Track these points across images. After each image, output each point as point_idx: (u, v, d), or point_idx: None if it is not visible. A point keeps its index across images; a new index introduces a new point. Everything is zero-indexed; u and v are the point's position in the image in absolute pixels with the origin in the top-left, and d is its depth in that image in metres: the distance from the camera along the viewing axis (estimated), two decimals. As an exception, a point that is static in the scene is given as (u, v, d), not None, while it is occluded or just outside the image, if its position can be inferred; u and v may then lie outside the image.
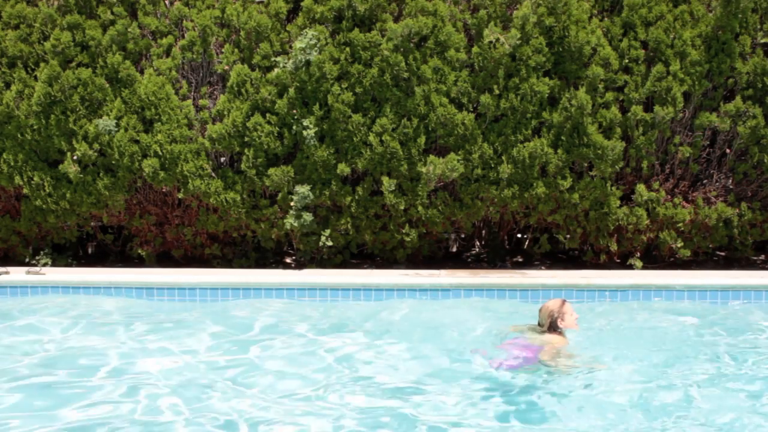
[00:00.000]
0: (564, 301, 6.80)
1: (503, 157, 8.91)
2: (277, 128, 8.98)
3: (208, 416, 5.68)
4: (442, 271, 8.94)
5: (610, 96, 8.91)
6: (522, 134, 8.88)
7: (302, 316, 7.95)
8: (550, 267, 9.52)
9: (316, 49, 8.77)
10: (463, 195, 9.06)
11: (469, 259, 9.92)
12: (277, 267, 9.52)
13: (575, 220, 9.27)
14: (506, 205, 9.13)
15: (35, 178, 9.18)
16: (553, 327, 6.71)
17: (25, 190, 9.28)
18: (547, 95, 8.82)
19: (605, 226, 9.15)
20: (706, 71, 8.91)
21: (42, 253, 9.54)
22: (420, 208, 9.04)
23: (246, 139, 8.99)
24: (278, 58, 8.95)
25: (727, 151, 9.18)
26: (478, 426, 5.51)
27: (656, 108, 8.87)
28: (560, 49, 8.82)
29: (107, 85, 9.08)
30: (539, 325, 6.81)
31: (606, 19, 9.12)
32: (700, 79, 8.89)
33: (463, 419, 5.62)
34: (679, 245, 9.22)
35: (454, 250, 10.21)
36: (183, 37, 9.25)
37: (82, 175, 9.13)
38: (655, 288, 8.31)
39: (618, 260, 9.55)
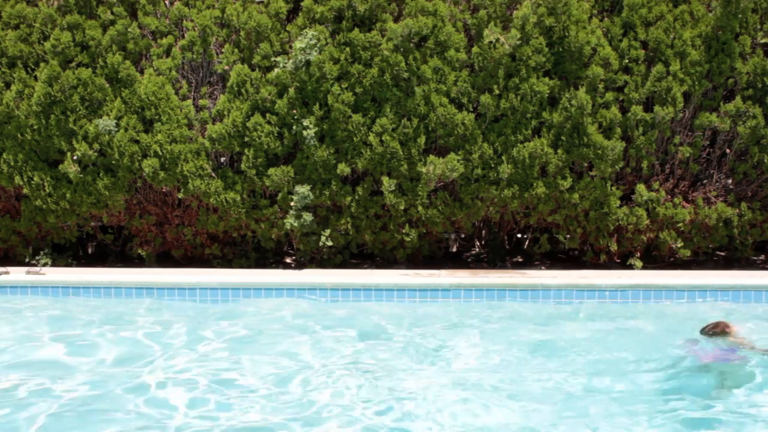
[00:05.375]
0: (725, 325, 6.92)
1: (503, 157, 8.91)
2: (277, 128, 8.99)
3: (220, 418, 5.68)
4: (442, 271, 8.94)
5: (610, 96, 8.91)
6: (522, 134, 8.88)
7: (302, 315, 7.95)
8: (550, 267, 9.52)
9: (316, 49, 8.76)
10: (463, 195, 9.06)
11: (469, 259, 9.92)
12: (277, 267, 9.52)
13: (575, 220, 9.26)
14: (506, 205, 9.13)
15: (35, 178, 9.18)
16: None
17: (25, 190, 9.28)
18: (547, 95, 8.82)
19: (605, 226, 9.15)
20: (706, 71, 8.91)
21: (42, 253, 9.54)
22: (420, 208, 9.04)
23: (246, 139, 9.00)
24: (278, 58, 8.95)
25: (727, 151, 9.18)
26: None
27: (656, 108, 8.87)
28: (560, 49, 8.82)
29: (107, 85, 9.08)
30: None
31: (606, 19, 9.11)
32: (700, 79, 8.89)
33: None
34: (679, 245, 9.22)
35: (454, 250, 10.21)
36: (183, 37, 9.25)
37: (82, 175, 9.13)
38: (655, 288, 8.31)
39: (618, 260, 9.55)
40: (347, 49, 8.85)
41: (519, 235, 10.11)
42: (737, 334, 6.87)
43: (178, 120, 9.06)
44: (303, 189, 8.92)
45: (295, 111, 8.92)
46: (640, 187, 9.06)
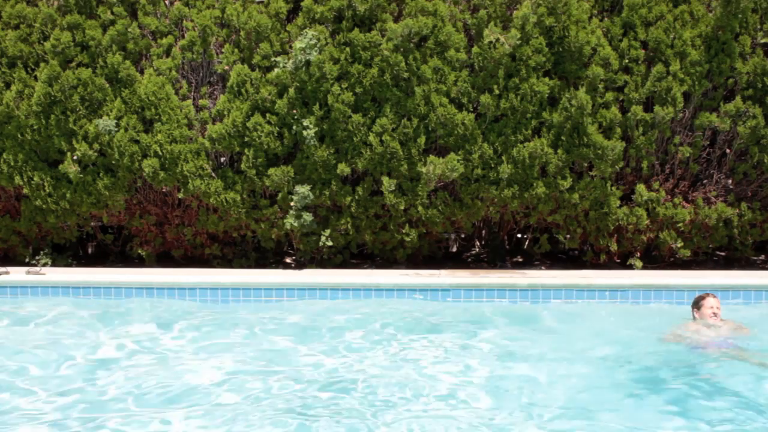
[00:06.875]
0: (707, 295, 7.20)
1: (503, 157, 8.91)
2: (277, 128, 8.99)
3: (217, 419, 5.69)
4: (442, 271, 8.94)
5: (610, 96, 8.91)
6: (522, 134, 8.88)
7: (301, 315, 7.95)
8: (550, 267, 9.52)
9: (316, 49, 8.77)
10: (463, 195, 9.06)
11: (469, 259, 9.92)
12: (277, 267, 9.52)
13: (575, 220, 9.27)
14: (506, 205, 9.13)
15: (35, 178, 9.19)
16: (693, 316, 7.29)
17: (25, 190, 9.29)
18: (547, 95, 8.83)
19: (605, 226, 9.16)
20: (706, 71, 8.92)
21: (42, 253, 9.54)
22: (420, 208, 9.04)
23: (246, 139, 9.00)
24: (278, 58, 8.95)
25: (727, 151, 9.18)
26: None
27: (656, 108, 8.87)
28: (560, 49, 8.83)
29: (107, 85, 9.08)
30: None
31: (606, 19, 9.12)
32: (700, 79, 8.89)
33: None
34: (679, 245, 9.22)
35: (454, 250, 10.21)
36: (183, 37, 9.26)
37: (82, 175, 9.13)
38: (655, 288, 8.30)
39: (618, 260, 9.55)
40: (347, 49, 8.85)
41: (519, 235, 10.11)
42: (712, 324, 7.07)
43: (178, 120, 9.07)
44: (303, 189, 8.93)
45: (295, 111, 8.92)
46: (640, 187, 9.07)
